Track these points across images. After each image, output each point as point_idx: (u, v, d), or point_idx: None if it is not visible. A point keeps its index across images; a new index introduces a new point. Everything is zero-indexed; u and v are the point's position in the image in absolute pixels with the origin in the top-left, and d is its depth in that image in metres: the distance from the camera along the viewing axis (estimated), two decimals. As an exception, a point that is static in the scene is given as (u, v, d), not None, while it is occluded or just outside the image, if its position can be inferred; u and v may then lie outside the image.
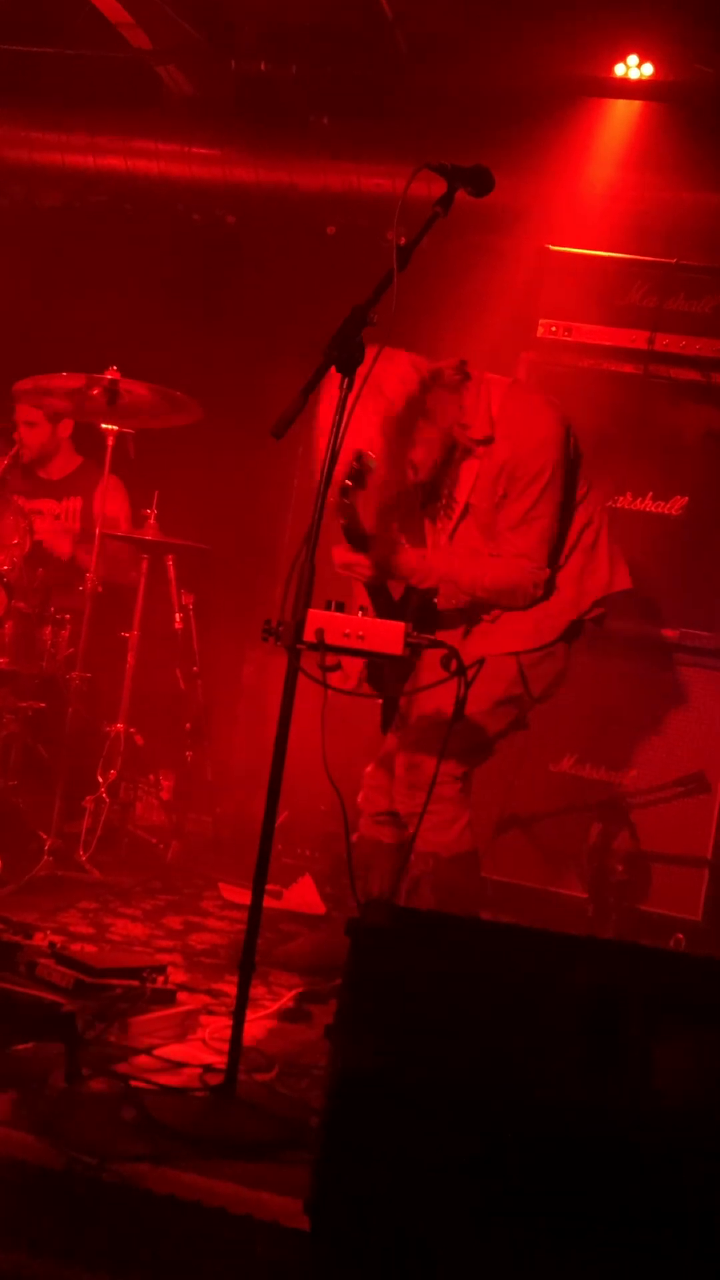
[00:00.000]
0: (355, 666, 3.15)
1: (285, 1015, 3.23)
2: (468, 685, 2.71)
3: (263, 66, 5.36)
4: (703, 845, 4.27)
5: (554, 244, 4.59)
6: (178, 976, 3.30)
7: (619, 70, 4.96)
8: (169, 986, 3.09)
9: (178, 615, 4.89)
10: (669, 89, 4.92)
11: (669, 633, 4.38)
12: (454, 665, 2.70)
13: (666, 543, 4.41)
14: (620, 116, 4.99)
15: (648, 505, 4.45)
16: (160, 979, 3.06)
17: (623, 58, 4.93)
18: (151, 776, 4.83)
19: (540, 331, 4.51)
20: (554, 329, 4.50)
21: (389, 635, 2.60)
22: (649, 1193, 1.92)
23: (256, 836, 2.68)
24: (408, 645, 2.62)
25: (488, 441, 3.21)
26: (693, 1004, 2.04)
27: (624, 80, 4.97)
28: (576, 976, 2.05)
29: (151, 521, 4.76)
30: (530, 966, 2.09)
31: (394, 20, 4.93)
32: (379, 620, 2.63)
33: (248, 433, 5.42)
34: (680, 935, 4.12)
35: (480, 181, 2.83)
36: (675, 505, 4.43)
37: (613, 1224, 1.92)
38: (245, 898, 4.18)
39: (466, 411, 3.21)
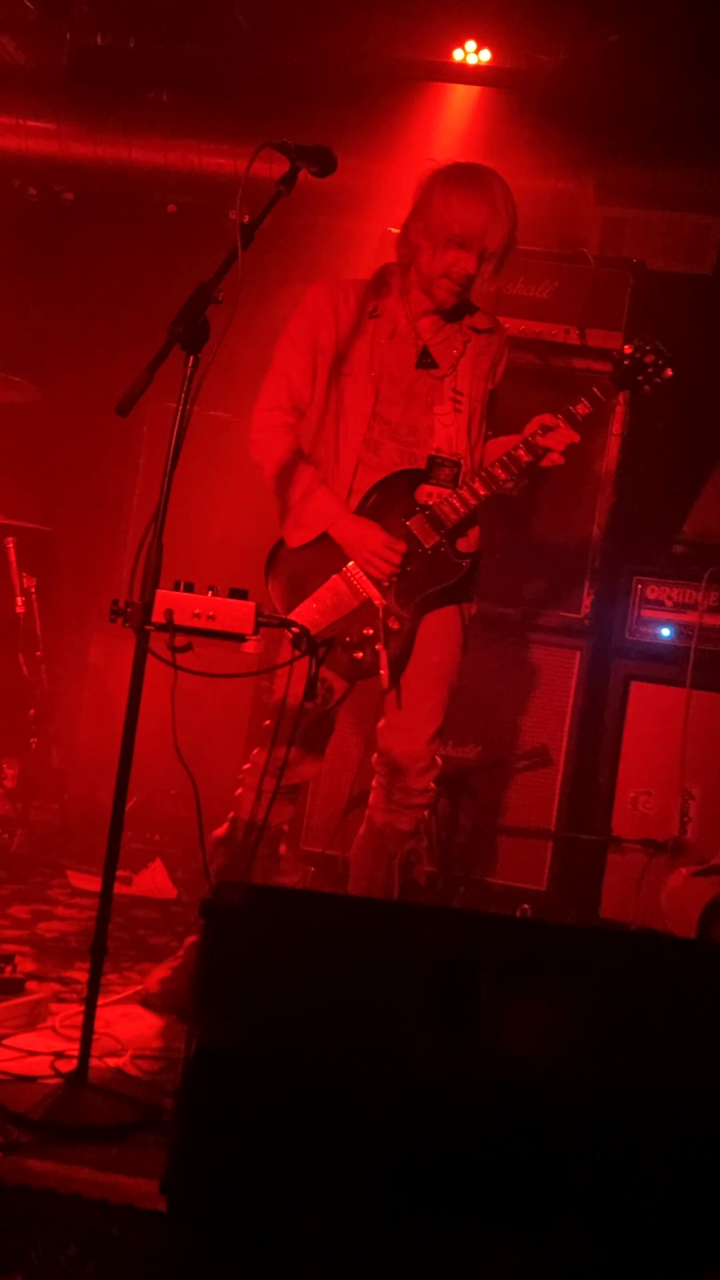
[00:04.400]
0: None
1: (137, 999, 3.21)
2: (319, 663, 2.72)
3: (99, 39, 5.26)
4: (546, 817, 4.38)
5: (396, 226, 4.61)
6: (26, 965, 3.25)
7: (457, 55, 5.02)
8: (17, 975, 3.04)
9: (19, 599, 4.79)
10: (507, 76, 5.00)
11: (511, 611, 4.47)
12: (304, 645, 2.70)
13: (508, 523, 4.49)
14: (459, 101, 5.05)
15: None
16: (8, 968, 3.01)
17: (461, 43, 4.99)
18: (-6, 765, 4.73)
19: (383, 313, 4.53)
20: (397, 311, 4.53)
21: (239, 614, 2.59)
22: (509, 1155, 1.97)
23: (106, 822, 2.65)
24: (258, 624, 2.61)
25: None
26: (542, 968, 2.10)
27: (462, 65, 5.03)
28: (428, 947, 2.09)
29: (-10, 503, 4.66)
30: (383, 939, 2.12)
31: (234, -2, 4.90)
32: (229, 600, 2.62)
33: (89, 410, 5.35)
34: (526, 906, 4.22)
35: (323, 161, 2.83)
36: (517, 487, 4.51)
37: (474, 1189, 1.96)
38: (94, 884, 4.15)
39: None
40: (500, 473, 3.27)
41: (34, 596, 4.82)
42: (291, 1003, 2.06)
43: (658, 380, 3.34)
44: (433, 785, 3.44)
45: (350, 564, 3.26)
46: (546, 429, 3.24)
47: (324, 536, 3.26)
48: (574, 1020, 2.08)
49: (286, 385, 3.30)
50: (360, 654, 3.22)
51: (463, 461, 3.32)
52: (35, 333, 5.30)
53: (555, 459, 3.28)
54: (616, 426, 4.46)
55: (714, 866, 3.92)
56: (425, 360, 3.31)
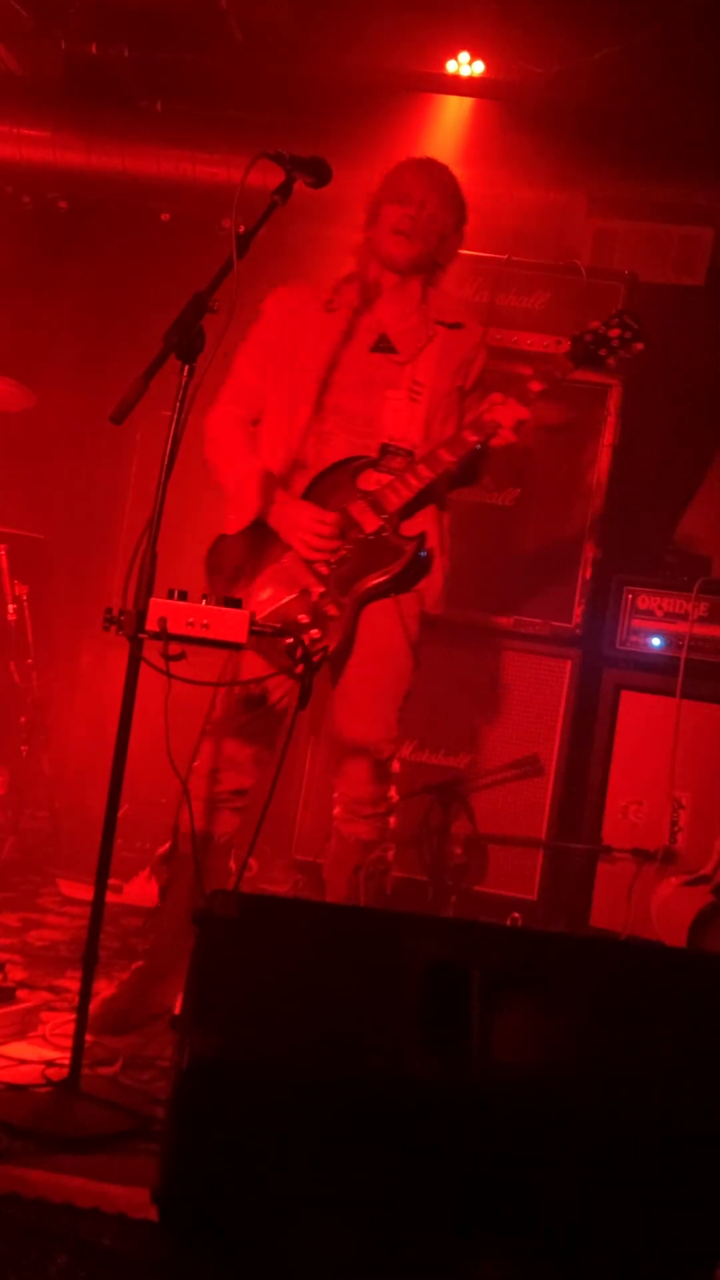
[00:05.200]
0: None
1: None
2: (313, 672, 2.71)
3: (94, 49, 5.27)
4: (537, 827, 4.39)
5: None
6: (17, 974, 3.24)
7: (451, 67, 5.03)
8: (8, 984, 3.04)
9: (11, 606, 4.79)
10: (500, 87, 5.02)
11: (503, 620, 4.49)
12: (299, 653, 2.71)
13: (500, 533, 4.52)
14: (452, 113, 5.06)
15: (481, 497, 4.54)
16: (-1, 976, 3.01)
17: (454, 54, 5.00)
18: (-15, 772, 4.72)
19: (377, 323, 4.55)
20: (390, 321, 4.54)
21: (233, 623, 2.59)
22: (501, 1163, 1.97)
23: (96, 830, 2.65)
24: (252, 633, 2.61)
25: None
26: (533, 977, 2.10)
27: (455, 77, 5.05)
28: (421, 955, 2.09)
29: (-19, 511, 4.65)
30: (375, 948, 2.13)
31: (228, 9, 4.90)
32: (223, 608, 2.62)
33: (82, 418, 5.36)
34: (516, 915, 4.23)
35: (318, 172, 2.85)
36: (508, 497, 4.54)
37: (467, 1196, 1.97)
38: (84, 893, 4.14)
39: None
40: (445, 454, 3.15)
41: (26, 604, 4.81)
42: (284, 1012, 2.06)
43: (624, 354, 3.24)
44: (392, 794, 3.36)
45: (290, 552, 3.17)
46: (494, 405, 3.15)
47: (262, 524, 3.17)
48: (565, 1028, 2.08)
49: (239, 386, 3.26)
50: (292, 641, 2.96)
51: (417, 452, 3.21)
52: (28, 340, 5.30)
53: (506, 435, 3.14)
54: (608, 437, 4.48)
55: (704, 876, 3.93)
56: (383, 345, 3.24)
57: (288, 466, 3.22)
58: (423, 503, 3.22)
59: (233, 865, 3.32)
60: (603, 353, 3.23)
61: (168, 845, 3.25)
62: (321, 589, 3.15)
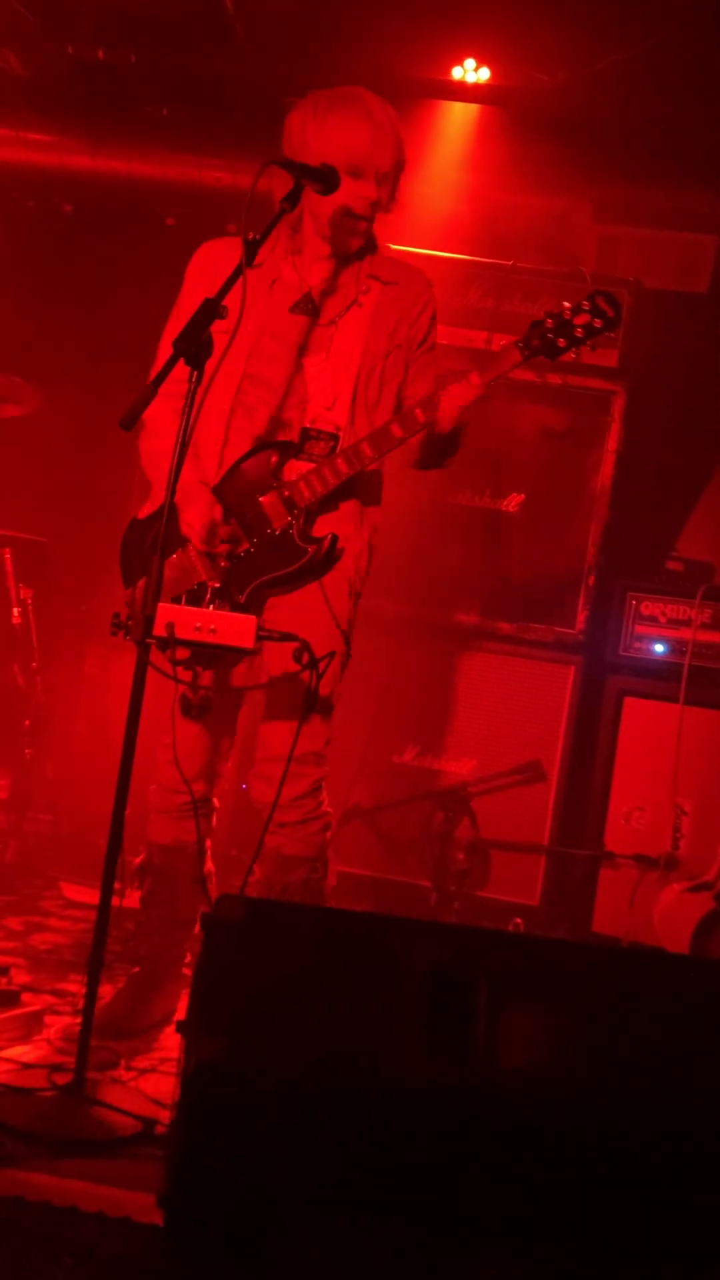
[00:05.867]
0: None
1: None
2: (319, 677, 2.71)
3: (101, 54, 5.28)
4: (539, 832, 4.40)
5: (392, 243, 4.63)
6: (21, 977, 3.25)
7: (456, 73, 5.04)
8: (12, 987, 3.04)
9: (15, 610, 4.79)
10: (506, 94, 5.03)
11: (506, 626, 4.50)
12: (305, 658, 2.71)
13: (504, 539, 4.53)
14: (458, 119, 5.07)
15: (485, 502, 4.55)
16: (3, 980, 3.02)
17: (460, 61, 5.01)
18: (-12, 776, 4.73)
19: (381, 329, 4.55)
20: (394, 327, 4.55)
21: (240, 628, 2.59)
22: (501, 1169, 1.98)
23: (99, 834, 2.65)
24: (259, 638, 2.61)
25: None
26: (537, 983, 2.11)
27: (461, 83, 5.06)
28: (422, 960, 2.10)
29: (-14, 514, 4.66)
30: (381, 953, 2.13)
31: (234, 14, 4.91)
32: (230, 613, 2.62)
33: (86, 422, 5.37)
34: (519, 920, 4.23)
35: (326, 179, 2.83)
36: (512, 502, 4.55)
37: (470, 1200, 1.97)
38: (87, 896, 4.15)
39: None
40: (368, 449, 2.87)
41: (30, 607, 4.82)
42: (289, 1016, 2.06)
43: (586, 346, 2.87)
44: (323, 805, 3.08)
45: (190, 542, 2.97)
46: (430, 396, 2.85)
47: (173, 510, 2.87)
48: (567, 1035, 2.09)
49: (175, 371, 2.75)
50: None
51: (341, 434, 2.96)
52: (33, 343, 5.30)
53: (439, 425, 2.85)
54: (612, 443, 4.49)
55: (706, 882, 3.93)
56: (305, 305, 2.96)
57: (204, 436, 2.99)
58: (345, 493, 2.98)
59: (209, 867, 3.17)
60: (561, 343, 2.84)
61: (143, 856, 3.19)
62: (217, 584, 2.94)
